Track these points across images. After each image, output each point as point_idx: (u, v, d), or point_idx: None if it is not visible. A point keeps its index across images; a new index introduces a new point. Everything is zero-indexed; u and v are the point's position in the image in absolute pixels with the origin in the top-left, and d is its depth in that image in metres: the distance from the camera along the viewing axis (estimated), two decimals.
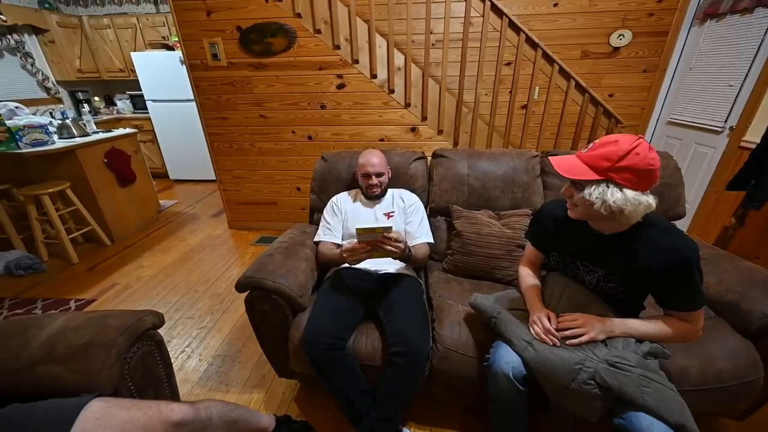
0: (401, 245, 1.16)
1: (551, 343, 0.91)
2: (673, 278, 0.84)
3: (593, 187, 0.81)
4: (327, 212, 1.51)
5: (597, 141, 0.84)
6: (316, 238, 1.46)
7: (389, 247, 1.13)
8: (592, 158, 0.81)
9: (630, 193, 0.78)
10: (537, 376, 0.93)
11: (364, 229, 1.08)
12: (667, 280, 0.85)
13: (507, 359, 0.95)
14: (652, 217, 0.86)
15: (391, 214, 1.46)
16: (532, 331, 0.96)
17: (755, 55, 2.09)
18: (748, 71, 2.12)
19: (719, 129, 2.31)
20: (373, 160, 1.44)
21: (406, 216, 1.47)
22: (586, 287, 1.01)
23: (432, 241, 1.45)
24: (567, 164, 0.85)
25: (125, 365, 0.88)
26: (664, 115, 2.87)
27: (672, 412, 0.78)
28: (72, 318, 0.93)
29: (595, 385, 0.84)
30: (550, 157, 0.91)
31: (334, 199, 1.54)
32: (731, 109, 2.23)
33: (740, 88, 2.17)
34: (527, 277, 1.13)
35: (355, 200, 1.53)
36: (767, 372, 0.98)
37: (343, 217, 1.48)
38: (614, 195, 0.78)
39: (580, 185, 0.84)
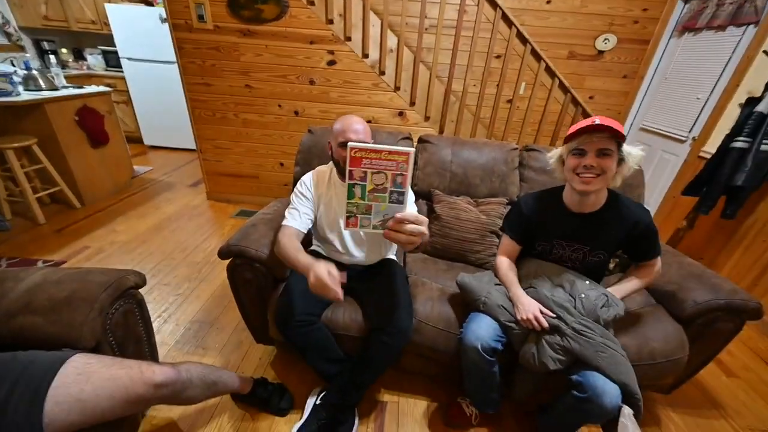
0: (420, 231, 0.74)
1: (540, 329, 1.03)
2: (647, 236, 1.06)
3: (625, 145, 0.97)
4: (295, 193, 1.21)
5: (596, 118, 0.95)
6: (284, 221, 1.16)
7: (401, 236, 0.73)
8: (614, 125, 0.92)
9: (637, 147, 0.99)
10: (513, 340, 1.08)
11: (351, 203, 0.71)
12: (643, 239, 1.07)
13: (477, 334, 1.06)
14: (612, 190, 1.08)
15: None
16: (520, 319, 1.05)
17: (722, 71, 2.24)
18: (715, 85, 2.28)
19: (683, 138, 2.49)
20: (356, 125, 1.09)
21: None
22: (565, 263, 1.17)
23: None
24: (613, 125, 0.93)
25: (107, 320, 0.90)
26: (638, 121, 3.04)
27: (618, 373, 0.94)
28: (51, 272, 0.94)
29: (559, 347, 0.99)
30: (597, 121, 0.93)
31: (305, 177, 1.24)
32: (696, 121, 2.40)
33: (706, 101, 2.34)
34: (507, 267, 1.21)
35: (329, 183, 1.21)
36: (692, 352, 1.14)
37: (317, 206, 1.20)
38: (634, 149, 0.99)
39: (611, 150, 0.96)
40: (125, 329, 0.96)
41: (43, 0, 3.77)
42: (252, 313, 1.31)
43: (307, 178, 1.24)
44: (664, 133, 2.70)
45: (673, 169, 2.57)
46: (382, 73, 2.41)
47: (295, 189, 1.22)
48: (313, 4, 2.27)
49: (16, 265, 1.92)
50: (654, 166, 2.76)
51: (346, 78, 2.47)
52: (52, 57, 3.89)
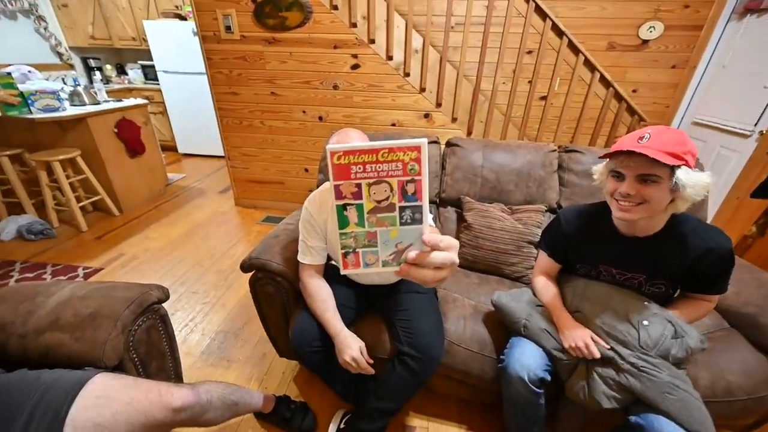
0: (451, 260, 0.44)
1: (591, 358, 0.89)
2: (719, 268, 0.86)
3: (680, 171, 0.77)
4: (302, 223, 1.09)
5: (646, 132, 0.79)
6: (299, 256, 1.10)
7: (426, 273, 0.44)
8: (665, 144, 0.76)
9: (704, 173, 0.78)
10: (559, 369, 0.95)
11: (345, 234, 0.46)
12: (712, 271, 0.87)
13: (522, 362, 0.94)
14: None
15: None
16: (568, 347, 0.92)
17: None
18: None
19: (748, 133, 2.21)
20: (354, 141, 0.93)
21: None
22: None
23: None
24: (656, 152, 0.76)
25: (130, 338, 0.89)
26: (689, 114, 2.76)
27: (692, 422, 0.78)
28: (79, 287, 0.94)
29: (614, 383, 0.85)
30: (647, 137, 0.78)
31: (307, 203, 1.10)
32: (763, 113, 2.12)
33: None
34: (546, 287, 1.06)
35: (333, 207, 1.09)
36: None
37: (324, 230, 1.07)
38: (698, 176, 0.77)
39: (658, 177, 0.78)
40: (148, 345, 0.95)
41: (90, 21, 4.04)
42: (274, 328, 1.28)
43: (310, 203, 1.09)
44: (722, 127, 2.42)
45: (736, 168, 2.28)
46: (407, 74, 2.34)
47: (301, 216, 1.10)
48: (336, 8, 2.24)
49: (60, 272, 2.03)
50: (711, 164, 2.47)
51: (370, 81, 2.42)
52: (96, 73, 4.18)
